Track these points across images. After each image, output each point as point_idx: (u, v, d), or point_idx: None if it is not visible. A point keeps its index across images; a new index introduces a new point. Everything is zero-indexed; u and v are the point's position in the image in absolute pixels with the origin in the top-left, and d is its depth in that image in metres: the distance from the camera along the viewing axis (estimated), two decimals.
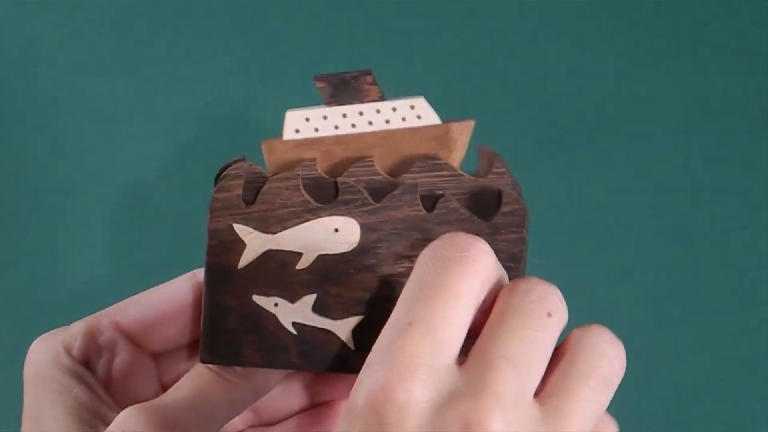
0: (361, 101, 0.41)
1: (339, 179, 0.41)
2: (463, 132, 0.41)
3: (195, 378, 0.42)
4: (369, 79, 0.41)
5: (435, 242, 0.37)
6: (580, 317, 0.69)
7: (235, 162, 0.42)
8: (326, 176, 0.41)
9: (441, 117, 0.42)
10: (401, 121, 0.41)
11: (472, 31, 0.70)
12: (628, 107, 0.70)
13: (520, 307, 0.36)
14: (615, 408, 0.67)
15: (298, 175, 0.41)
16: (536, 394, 0.35)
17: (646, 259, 0.69)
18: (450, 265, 0.35)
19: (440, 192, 0.41)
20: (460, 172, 0.41)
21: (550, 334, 0.36)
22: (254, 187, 0.41)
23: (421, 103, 0.41)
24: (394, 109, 0.41)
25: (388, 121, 0.41)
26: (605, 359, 0.36)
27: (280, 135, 0.41)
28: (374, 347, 0.35)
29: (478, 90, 0.69)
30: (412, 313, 0.35)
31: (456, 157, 0.41)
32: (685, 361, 0.69)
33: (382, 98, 0.41)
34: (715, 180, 0.70)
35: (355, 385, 0.35)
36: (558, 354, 0.36)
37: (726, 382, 0.68)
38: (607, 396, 0.36)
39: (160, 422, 0.40)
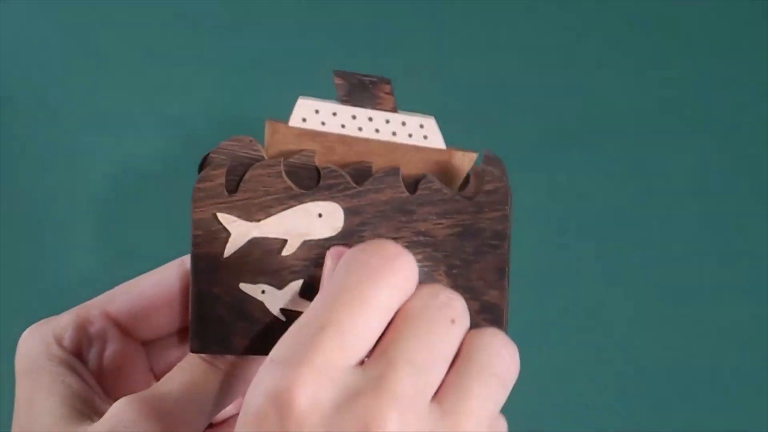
0: (374, 107, 0.41)
1: (321, 164, 0.41)
2: (464, 162, 0.42)
3: (187, 367, 0.42)
4: (387, 88, 0.41)
5: (361, 245, 0.37)
6: (580, 317, 0.69)
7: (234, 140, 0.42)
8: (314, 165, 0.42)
9: (442, 123, 0.42)
10: (407, 137, 0.41)
11: (472, 31, 0.70)
12: (629, 107, 0.70)
13: (424, 311, 0.35)
14: (615, 407, 0.67)
15: (280, 161, 0.41)
16: (435, 396, 0.35)
17: (646, 258, 0.69)
18: (373, 274, 0.35)
19: (422, 173, 0.41)
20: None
21: (452, 339, 0.36)
22: (237, 175, 0.41)
23: (430, 124, 0.41)
24: (403, 124, 0.41)
25: (394, 134, 0.41)
26: (499, 358, 0.36)
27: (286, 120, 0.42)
28: (281, 343, 0.35)
29: (478, 90, 0.69)
30: (328, 316, 0.34)
31: (453, 183, 0.42)
32: (685, 360, 0.68)
33: (394, 110, 0.41)
34: (716, 180, 0.70)
35: (254, 380, 0.34)
36: (455, 357, 0.36)
37: (726, 381, 0.68)
38: (502, 395, 0.36)
39: (154, 412, 0.40)
